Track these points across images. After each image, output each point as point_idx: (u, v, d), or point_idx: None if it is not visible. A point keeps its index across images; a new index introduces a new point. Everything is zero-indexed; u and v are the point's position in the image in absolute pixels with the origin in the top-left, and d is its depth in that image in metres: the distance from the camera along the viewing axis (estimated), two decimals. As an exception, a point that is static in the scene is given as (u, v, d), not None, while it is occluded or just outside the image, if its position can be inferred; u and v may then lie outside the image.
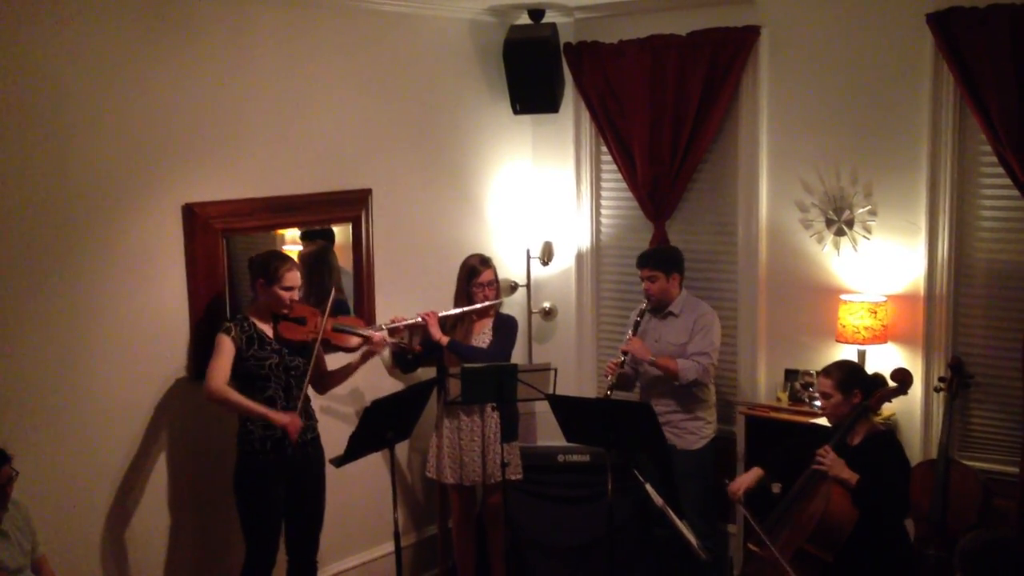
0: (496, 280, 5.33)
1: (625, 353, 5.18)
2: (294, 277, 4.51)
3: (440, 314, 5.23)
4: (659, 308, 5.24)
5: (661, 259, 5.22)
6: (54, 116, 4.12)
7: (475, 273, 5.26)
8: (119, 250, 4.38)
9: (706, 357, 5.13)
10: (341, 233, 5.38)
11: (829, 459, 4.23)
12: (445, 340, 5.19)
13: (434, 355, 5.34)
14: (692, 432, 5.18)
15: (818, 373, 4.62)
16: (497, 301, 5.33)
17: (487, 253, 5.50)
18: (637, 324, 5.22)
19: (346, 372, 4.85)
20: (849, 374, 4.45)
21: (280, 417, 4.40)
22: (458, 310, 5.27)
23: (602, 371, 6.08)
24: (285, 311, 4.53)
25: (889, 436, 4.54)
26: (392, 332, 5.12)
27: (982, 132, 4.73)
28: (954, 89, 4.82)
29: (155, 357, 4.55)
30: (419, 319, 5.16)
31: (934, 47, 4.82)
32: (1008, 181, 4.69)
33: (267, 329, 4.52)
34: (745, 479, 4.59)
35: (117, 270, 4.38)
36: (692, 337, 5.15)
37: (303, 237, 5.26)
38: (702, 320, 5.18)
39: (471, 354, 5.15)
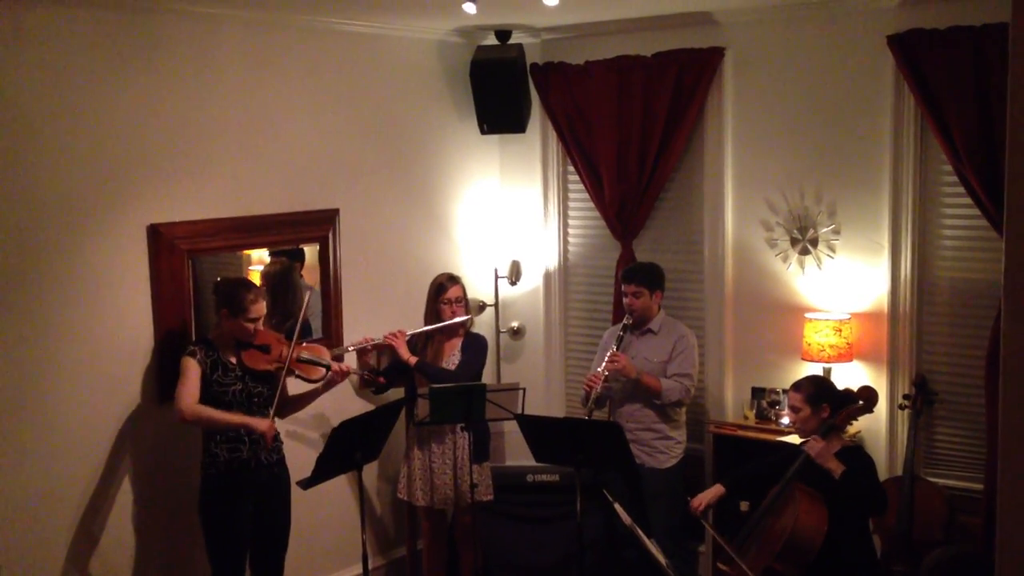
0: (465, 298, 5.33)
1: (612, 364, 5.05)
2: (260, 308, 4.44)
3: (408, 333, 5.23)
4: (638, 325, 5.22)
5: (648, 276, 5.20)
6: (17, 136, 4.08)
7: (442, 290, 5.26)
8: (83, 271, 4.34)
9: (688, 379, 5.14)
10: (311, 253, 5.35)
11: (820, 447, 4.28)
12: (413, 360, 5.17)
13: (402, 380, 5.32)
14: (663, 451, 5.17)
15: (789, 388, 4.67)
16: (466, 318, 5.31)
17: (455, 272, 5.50)
18: (621, 339, 5.15)
19: (309, 398, 4.81)
20: (819, 388, 4.50)
21: (259, 424, 4.38)
22: (426, 328, 5.27)
23: (578, 386, 5.99)
24: (249, 339, 4.49)
25: (860, 450, 4.60)
26: (360, 354, 5.10)
27: (943, 152, 4.78)
28: (915, 110, 4.88)
29: (119, 379, 4.50)
30: (386, 340, 5.14)
31: (895, 68, 4.88)
32: (969, 200, 4.75)
33: (231, 355, 4.48)
34: (706, 495, 4.59)
35: (81, 291, 4.34)
36: (673, 358, 5.15)
37: (271, 253, 5.24)
38: (683, 342, 5.18)
39: (440, 375, 5.13)
